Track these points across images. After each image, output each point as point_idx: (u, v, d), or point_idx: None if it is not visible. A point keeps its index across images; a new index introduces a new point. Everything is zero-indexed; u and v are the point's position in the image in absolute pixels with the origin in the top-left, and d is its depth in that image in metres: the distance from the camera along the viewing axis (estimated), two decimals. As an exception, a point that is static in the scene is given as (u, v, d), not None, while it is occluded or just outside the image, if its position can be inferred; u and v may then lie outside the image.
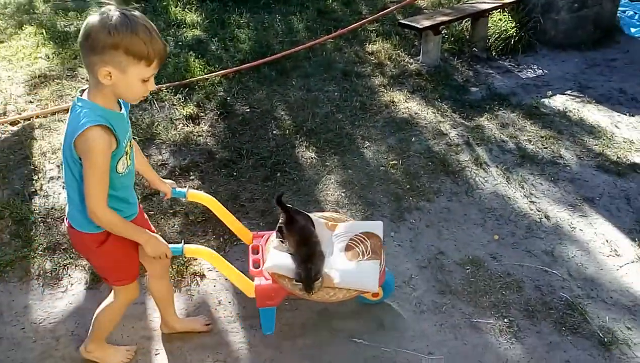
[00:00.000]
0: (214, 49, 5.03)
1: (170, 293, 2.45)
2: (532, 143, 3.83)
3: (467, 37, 5.25)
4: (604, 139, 3.89)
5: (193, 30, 5.37)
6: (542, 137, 3.89)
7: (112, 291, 2.19)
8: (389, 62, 4.94)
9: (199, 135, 3.81)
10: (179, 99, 4.18)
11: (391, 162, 3.62)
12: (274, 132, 3.89)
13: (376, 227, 2.47)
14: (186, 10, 5.95)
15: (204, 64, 4.73)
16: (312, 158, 3.68)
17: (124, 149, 1.82)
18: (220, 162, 3.57)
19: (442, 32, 4.98)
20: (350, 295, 2.24)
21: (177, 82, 4.37)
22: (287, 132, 3.89)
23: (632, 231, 3.09)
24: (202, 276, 2.80)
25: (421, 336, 2.48)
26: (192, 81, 4.41)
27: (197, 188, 3.35)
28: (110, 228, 1.88)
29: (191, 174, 3.48)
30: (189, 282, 2.76)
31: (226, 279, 2.74)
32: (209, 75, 4.47)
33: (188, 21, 5.65)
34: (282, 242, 2.40)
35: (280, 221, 2.45)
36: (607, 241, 3.01)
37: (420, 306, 2.59)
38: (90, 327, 2.27)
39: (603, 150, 3.76)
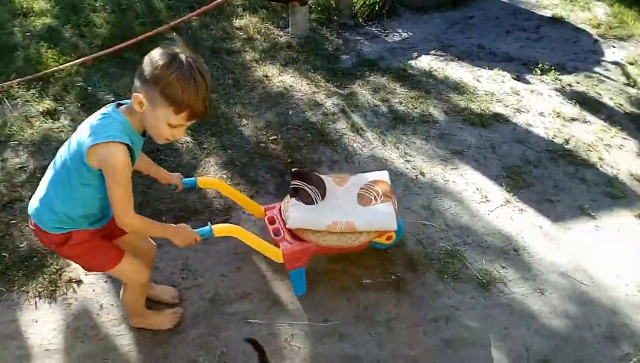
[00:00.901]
0: (68, 36, 4.64)
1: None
2: (402, 105, 3.96)
3: (334, 5, 5.28)
4: (467, 94, 4.11)
5: (42, 18, 4.91)
6: (412, 98, 4.03)
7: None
8: (258, 36, 4.85)
9: (60, 131, 3.52)
10: (33, 94, 3.82)
11: (270, 138, 3.58)
12: (144, 119, 3.69)
13: (382, 175, 2.69)
14: (33, -4, 5.43)
15: (57, 54, 4.35)
16: (188, 142, 3.54)
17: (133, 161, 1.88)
18: (88, 158, 3.33)
19: (309, 2, 4.96)
20: (370, 237, 2.48)
21: (29, 76, 3.99)
22: (159, 118, 3.70)
23: (499, 177, 3.31)
24: (79, 282, 2.61)
25: (315, 305, 2.50)
26: (46, 73, 4.05)
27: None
28: (139, 231, 2.05)
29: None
30: (65, 290, 2.56)
31: (106, 281, 2.60)
32: (64, 65, 4.13)
33: (36, 9, 5.16)
34: (297, 199, 2.52)
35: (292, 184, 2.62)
36: (477, 189, 3.21)
37: (313, 276, 2.61)
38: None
39: (468, 105, 3.97)
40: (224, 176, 3.27)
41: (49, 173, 1.94)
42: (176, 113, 1.74)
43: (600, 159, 3.49)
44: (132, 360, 2.27)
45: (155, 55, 1.73)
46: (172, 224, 2.08)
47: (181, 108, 1.73)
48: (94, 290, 2.57)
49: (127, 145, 1.75)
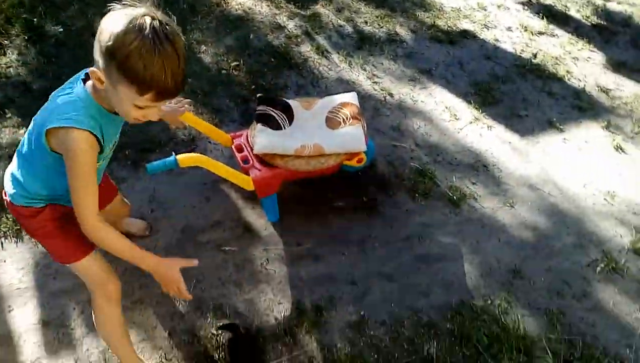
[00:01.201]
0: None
1: None
2: (368, 24, 3.83)
3: None
4: (434, 11, 4.00)
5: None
6: (377, 16, 3.90)
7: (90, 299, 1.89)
8: (213, -42, 4.58)
9: (8, 67, 3.31)
10: (-25, 27, 3.57)
11: (232, 64, 3.44)
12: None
13: (351, 97, 2.60)
14: None
15: (-2, -17, 4.05)
16: (146, 72, 3.38)
17: (104, 156, 1.64)
18: (40, 93, 3.15)
19: None
20: (340, 159, 2.41)
21: (-32, 9, 3.72)
22: (114, 48, 3.51)
23: (468, 94, 3.27)
24: (45, 219, 2.53)
25: (288, 230, 2.49)
26: (-13, 5, 3.77)
27: (17, 126, 2.97)
28: (103, 246, 1.59)
29: (7, 111, 3.05)
30: (31, 228, 2.49)
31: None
32: (6, -5, 3.84)
33: None
34: (264, 125, 2.44)
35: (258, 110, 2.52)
36: (446, 108, 3.17)
37: (284, 202, 2.58)
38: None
39: (434, 22, 3.87)
40: (186, 106, 3.14)
41: (21, 143, 1.69)
42: (140, 94, 1.37)
43: (568, 72, 3.48)
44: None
45: (112, 20, 1.34)
46: (153, 255, 1.65)
47: (145, 88, 1.36)
48: (60, 228, 2.50)
49: (90, 132, 1.45)
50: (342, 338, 2.07)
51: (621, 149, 2.95)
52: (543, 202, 2.64)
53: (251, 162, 2.42)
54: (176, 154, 2.15)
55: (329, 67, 3.46)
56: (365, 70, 3.44)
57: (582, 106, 3.22)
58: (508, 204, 2.62)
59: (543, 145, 2.96)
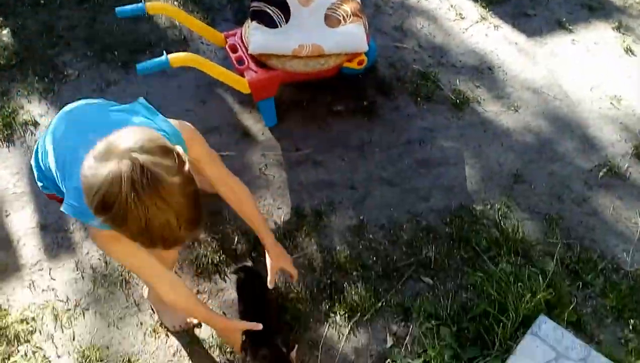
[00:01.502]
0: None
1: None
2: None
3: None
4: None
5: None
6: None
7: None
8: None
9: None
10: None
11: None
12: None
13: None
14: None
15: None
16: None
17: None
18: None
19: None
20: (340, 60, 2.31)
21: None
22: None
23: (474, -9, 3.10)
24: (35, 123, 2.46)
25: (286, 135, 2.43)
26: None
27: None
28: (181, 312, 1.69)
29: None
30: (22, 133, 2.42)
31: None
32: None
33: None
34: (259, 23, 2.31)
35: None
36: (452, 6, 3.01)
37: (282, 106, 2.50)
38: None
39: None
40: (176, 3, 2.98)
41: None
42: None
43: (580, -33, 3.28)
44: (103, 199, 2.21)
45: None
46: (224, 318, 1.72)
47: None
48: (52, 132, 2.43)
49: None
50: (341, 242, 2.07)
51: (631, 51, 2.83)
52: (548, 105, 2.57)
53: (246, 63, 2.31)
54: (167, 54, 2.05)
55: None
56: (366, -36, 3.23)
57: (592, 5, 3.06)
58: (512, 108, 2.55)
59: (551, 47, 2.83)
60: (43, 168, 1.51)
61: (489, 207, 2.19)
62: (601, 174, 2.32)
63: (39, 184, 1.60)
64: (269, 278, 1.72)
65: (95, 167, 1.04)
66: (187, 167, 1.10)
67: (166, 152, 1.07)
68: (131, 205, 1.02)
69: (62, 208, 1.31)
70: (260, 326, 1.57)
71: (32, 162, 1.59)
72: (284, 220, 2.14)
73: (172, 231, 1.07)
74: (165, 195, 1.03)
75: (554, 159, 2.37)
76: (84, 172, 1.06)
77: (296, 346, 1.71)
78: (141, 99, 1.46)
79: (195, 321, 1.82)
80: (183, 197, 1.06)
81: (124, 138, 1.07)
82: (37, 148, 1.55)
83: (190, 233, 1.13)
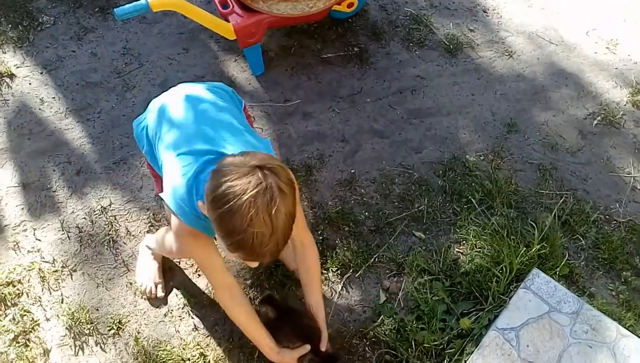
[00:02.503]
0: None
1: None
2: None
3: None
4: None
5: None
6: None
7: None
8: None
9: None
10: None
11: None
12: None
13: None
14: None
15: None
16: None
17: None
18: None
19: None
20: (330, 2, 2.24)
21: None
22: None
23: None
24: (11, 75, 2.35)
25: (274, 85, 2.35)
26: None
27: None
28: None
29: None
30: (-2, 85, 2.32)
31: (41, 73, 2.34)
32: None
33: None
34: None
35: None
36: (445, -57, 2.86)
37: (268, 54, 2.40)
38: None
39: None
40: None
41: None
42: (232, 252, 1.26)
43: None
44: (86, 153, 2.14)
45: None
46: (271, 343, 1.54)
47: (235, 251, 1.25)
48: (30, 84, 2.33)
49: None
50: (333, 197, 2.04)
51: (630, -7, 2.74)
52: (543, 51, 2.50)
53: (231, 6, 2.19)
54: None
55: None
56: None
57: (592, -58, 2.93)
58: (506, 53, 2.48)
59: (547, -13, 2.73)
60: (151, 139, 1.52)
61: (482, 158, 2.15)
62: (595, 122, 2.28)
63: (144, 149, 1.57)
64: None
65: (230, 179, 1.14)
66: (297, 194, 1.23)
67: (288, 180, 1.19)
68: (245, 211, 1.12)
69: (165, 198, 1.37)
70: (308, 347, 1.54)
71: (137, 126, 1.59)
72: (273, 175, 2.09)
73: (261, 245, 1.15)
74: (276, 212, 1.13)
75: (548, 107, 2.32)
76: (220, 179, 1.15)
77: None
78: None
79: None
80: (286, 219, 1.16)
81: (259, 157, 1.18)
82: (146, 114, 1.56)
83: (271, 254, 1.20)
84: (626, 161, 2.17)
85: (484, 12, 2.61)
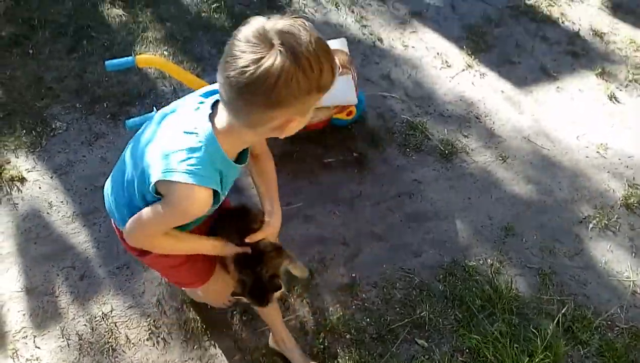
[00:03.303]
0: None
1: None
2: (356, -39, 3.61)
3: None
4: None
5: None
6: (365, -48, 3.67)
7: None
8: None
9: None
10: None
11: (212, 6, 3.24)
12: (67, -9, 3.26)
13: (340, 43, 2.48)
14: None
15: None
16: (120, 15, 3.17)
17: (217, 204, 1.34)
18: (10, 40, 2.96)
19: None
20: (329, 113, 2.36)
21: None
22: (84, -12, 3.28)
23: (460, 39, 3.14)
24: (22, 179, 2.42)
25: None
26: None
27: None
28: (159, 251, 1.49)
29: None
30: (8, 190, 2.38)
31: (51, 177, 2.42)
32: None
33: None
34: None
35: None
36: (438, 54, 3.05)
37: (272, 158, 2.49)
38: None
39: (425, -41, 3.66)
40: (165, 53, 2.98)
41: (121, 174, 1.43)
42: (321, 93, 1.21)
43: (562, 14, 3.34)
44: (91, 257, 2.18)
45: (282, 70, 1.07)
46: (207, 238, 1.57)
47: (331, 85, 1.21)
48: (39, 188, 2.40)
49: (210, 190, 1.25)
50: (334, 302, 2.05)
51: (615, 98, 2.88)
52: (536, 155, 2.59)
53: None
54: (156, 108, 2.03)
55: (315, 8, 3.29)
56: (353, 12, 3.27)
57: (576, 52, 3.12)
58: (500, 158, 2.57)
59: (536, 95, 2.87)
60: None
61: (481, 262, 2.18)
62: (591, 225, 2.33)
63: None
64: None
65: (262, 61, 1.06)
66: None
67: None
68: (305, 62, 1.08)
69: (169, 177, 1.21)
70: (249, 250, 1.51)
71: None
72: (275, 280, 2.11)
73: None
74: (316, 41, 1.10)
75: (544, 210, 2.38)
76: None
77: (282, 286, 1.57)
78: None
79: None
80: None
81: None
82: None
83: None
84: (624, 265, 2.20)
85: (477, 118, 2.74)
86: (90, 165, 2.49)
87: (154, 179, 1.22)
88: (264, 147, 1.59)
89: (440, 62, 3.01)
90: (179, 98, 2.70)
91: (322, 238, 2.26)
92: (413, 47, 3.08)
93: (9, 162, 2.47)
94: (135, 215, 1.33)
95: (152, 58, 2.43)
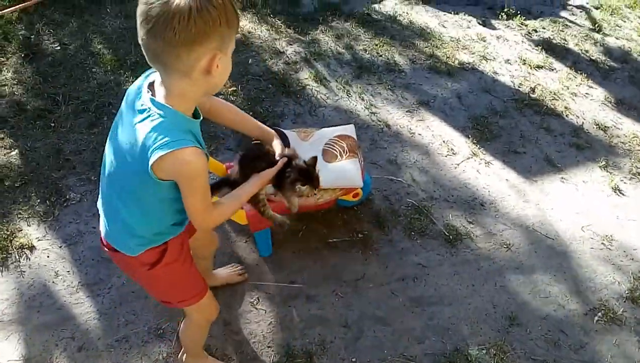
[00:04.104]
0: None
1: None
2: (367, 52, 3.81)
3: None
4: (433, 40, 3.98)
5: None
6: (376, 44, 3.88)
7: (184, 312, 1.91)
8: (214, -22, 4.55)
9: (3, 85, 3.26)
10: (-30, 43, 3.52)
11: (230, 89, 3.40)
12: (93, 70, 3.45)
13: (348, 129, 2.55)
14: None
15: (-5, -2, 4.01)
16: (142, 95, 3.34)
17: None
18: (34, 113, 3.11)
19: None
20: (335, 194, 2.37)
21: (-37, 23, 3.66)
22: (109, 68, 3.47)
23: (465, 128, 3.24)
24: (31, 248, 2.47)
25: (280, 266, 2.44)
26: (-18, 20, 3.72)
27: (9, 147, 2.91)
28: (228, 217, 1.74)
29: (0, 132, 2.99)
30: (17, 257, 2.42)
31: (60, 247, 2.46)
32: (3, 11, 3.79)
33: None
34: None
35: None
36: (444, 142, 3.14)
37: (277, 236, 2.53)
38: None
39: (433, 52, 3.85)
40: (182, 131, 3.10)
41: (110, 190, 1.55)
42: (237, 32, 1.37)
43: (566, 108, 3.45)
44: (91, 328, 2.18)
45: (191, 4, 1.21)
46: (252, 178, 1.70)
47: (239, 23, 1.36)
48: (48, 257, 2.44)
49: (195, 146, 1.37)
50: (333, 386, 2.01)
51: (619, 190, 2.92)
52: (540, 244, 2.60)
53: None
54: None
55: (327, 95, 3.43)
56: (363, 99, 3.41)
57: (580, 144, 3.20)
58: (505, 246, 2.58)
59: (541, 184, 2.92)
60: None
61: (484, 352, 2.14)
62: (596, 318, 2.30)
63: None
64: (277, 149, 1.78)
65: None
66: None
67: None
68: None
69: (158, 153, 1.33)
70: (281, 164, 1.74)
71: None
72: (273, 361, 2.09)
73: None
74: None
75: (548, 301, 2.36)
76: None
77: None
78: None
79: None
80: None
81: None
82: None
83: None
84: (630, 360, 2.15)
85: (482, 205, 2.78)
86: (99, 237, 2.53)
87: (148, 164, 1.34)
88: (213, 99, 1.72)
89: (446, 150, 3.09)
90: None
91: (324, 319, 2.24)
92: (420, 134, 3.18)
93: (21, 230, 2.53)
94: (188, 211, 1.47)
95: None
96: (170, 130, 1.33)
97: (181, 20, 1.20)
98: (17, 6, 3.81)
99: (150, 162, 1.32)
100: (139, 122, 1.36)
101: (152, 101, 1.36)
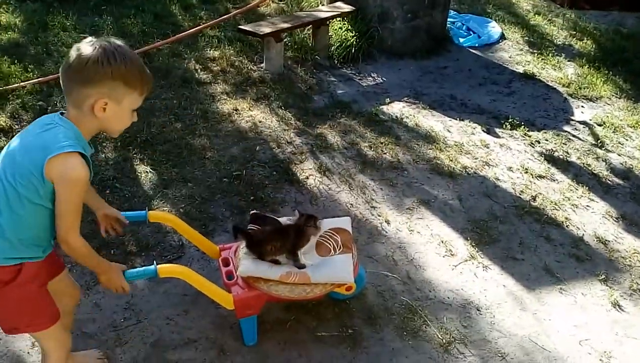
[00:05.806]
0: (33, 53, 4.49)
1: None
2: (372, 149, 3.89)
3: (310, 44, 5.25)
4: (437, 143, 4.08)
5: (9, 32, 4.76)
6: (382, 143, 3.97)
7: (41, 352, 1.98)
8: (231, 69, 4.78)
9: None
10: (-11, 110, 3.65)
11: (234, 173, 3.46)
12: (103, 144, 3.53)
13: (344, 222, 2.57)
14: (1, 10, 5.28)
15: (21, 70, 4.20)
16: (147, 171, 3.39)
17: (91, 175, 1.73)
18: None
19: (285, 39, 4.93)
20: (326, 289, 2.34)
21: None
22: (119, 144, 3.56)
23: (465, 230, 3.23)
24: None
25: (264, 358, 2.35)
26: (5, 90, 3.88)
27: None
28: (78, 256, 1.81)
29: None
30: None
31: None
32: (26, 82, 3.96)
33: (3, 22, 5.02)
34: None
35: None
36: (442, 242, 3.12)
37: (264, 325, 2.45)
38: None
39: (437, 154, 3.93)
40: (182, 210, 3.12)
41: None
42: (140, 95, 1.73)
43: (567, 218, 3.45)
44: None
45: (91, 55, 1.61)
46: (108, 262, 1.93)
47: (143, 87, 1.73)
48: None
49: (83, 155, 1.64)
50: None
51: (619, 306, 2.84)
52: (535, 357, 2.50)
53: (235, 278, 2.33)
54: (158, 264, 2.07)
55: (329, 186, 3.47)
56: (364, 194, 3.44)
57: (580, 256, 3.16)
58: (499, 355, 2.48)
59: (539, 293, 2.86)
60: None
61: None
62: None
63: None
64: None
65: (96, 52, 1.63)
66: None
67: None
68: (127, 58, 1.67)
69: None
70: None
71: None
72: None
73: (144, 73, 1.73)
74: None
75: (543, 417, 2.23)
76: (87, 57, 1.62)
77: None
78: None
79: None
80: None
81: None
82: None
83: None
84: None
85: (477, 310, 2.71)
86: (82, 310, 2.47)
87: (42, 161, 1.58)
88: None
89: (444, 250, 3.07)
90: (183, 254, 2.79)
91: (305, 418, 2.12)
92: (419, 232, 3.17)
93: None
94: (58, 216, 1.65)
95: (163, 215, 2.54)
96: (70, 138, 1.62)
97: (79, 63, 1.61)
98: (39, 79, 3.98)
99: (47, 159, 1.57)
100: (44, 131, 1.64)
101: (59, 118, 1.67)
